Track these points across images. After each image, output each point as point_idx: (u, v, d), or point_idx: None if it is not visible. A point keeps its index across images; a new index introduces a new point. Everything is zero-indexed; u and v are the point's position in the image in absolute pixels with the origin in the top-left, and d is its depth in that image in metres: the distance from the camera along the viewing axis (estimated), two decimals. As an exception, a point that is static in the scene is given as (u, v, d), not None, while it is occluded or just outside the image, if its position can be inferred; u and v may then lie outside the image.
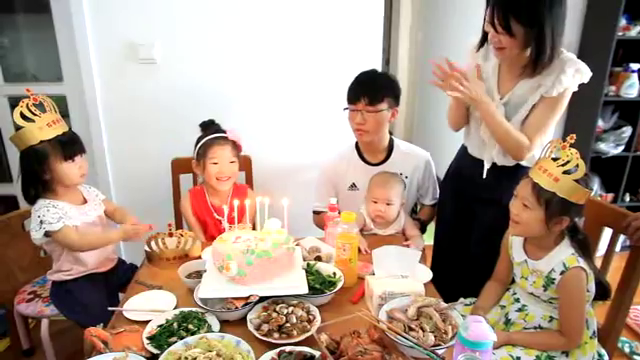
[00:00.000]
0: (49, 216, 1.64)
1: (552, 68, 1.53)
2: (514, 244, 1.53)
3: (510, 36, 1.47)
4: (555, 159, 1.33)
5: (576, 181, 1.29)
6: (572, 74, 1.53)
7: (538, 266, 1.43)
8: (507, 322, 1.52)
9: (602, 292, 1.43)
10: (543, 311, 1.46)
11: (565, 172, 1.29)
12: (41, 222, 1.64)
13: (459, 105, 1.73)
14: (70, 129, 1.73)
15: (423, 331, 1.15)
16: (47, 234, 1.65)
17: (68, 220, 1.68)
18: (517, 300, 1.53)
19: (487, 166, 1.73)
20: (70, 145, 1.68)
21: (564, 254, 1.38)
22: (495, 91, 1.67)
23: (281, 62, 2.38)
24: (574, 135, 1.30)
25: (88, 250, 1.75)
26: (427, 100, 5.04)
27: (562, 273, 1.37)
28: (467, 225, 1.87)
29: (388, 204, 1.84)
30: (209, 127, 2.01)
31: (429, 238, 2.06)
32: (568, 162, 1.29)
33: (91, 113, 2.35)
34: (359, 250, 1.61)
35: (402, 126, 5.97)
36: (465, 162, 1.86)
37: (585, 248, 1.41)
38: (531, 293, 1.48)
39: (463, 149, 1.90)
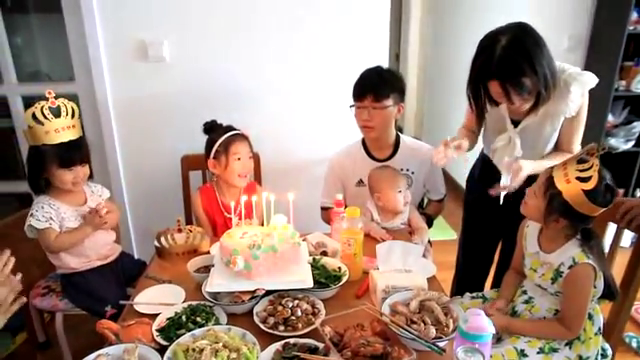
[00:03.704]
0: (40, 212, 1.72)
1: (558, 92, 1.54)
2: (528, 235, 1.54)
3: (526, 93, 1.49)
4: (580, 162, 1.30)
5: (585, 192, 1.27)
6: (580, 92, 1.56)
7: (549, 258, 1.44)
8: (514, 314, 1.53)
9: (610, 293, 1.43)
10: (549, 304, 1.47)
11: (578, 178, 1.28)
12: (31, 215, 1.72)
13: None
14: (81, 137, 1.77)
15: (425, 324, 1.17)
16: (32, 228, 1.72)
17: (59, 222, 1.75)
18: (524, 292, 1.55)
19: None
20: (69, 154, 1.72)
21: (575, 250, 1.39)
22: (508, 121, 1.69)
23: (289, 59, 2.40)
24: (606, 146, 1.28)
25: (63, 251, 1.80)
26: (437, 95, 5.03)
27: (570, 267, 1.37)
28: (495, 215, 1.88)
29: (400, 191, 1.85)
30: (214, 127, 2.02)
31: (444, 233, 2.07)
32: (587, 169, 1.27)
33: (102, 111, 2.39)
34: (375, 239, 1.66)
35: (412, 121, 5.97)
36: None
37: (596, 251, 1.40)
38: (538, 285, 1.49)
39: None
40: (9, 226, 1.88)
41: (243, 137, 1.99)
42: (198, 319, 1.29)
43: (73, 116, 1.73)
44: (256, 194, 1.84)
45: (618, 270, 1.55)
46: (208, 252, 1.69)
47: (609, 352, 1.49)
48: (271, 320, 1.28)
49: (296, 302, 1.33)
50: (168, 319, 1.31)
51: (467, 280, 2.10)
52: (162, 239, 1.72)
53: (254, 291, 1.35)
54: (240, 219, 1.54)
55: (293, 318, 1.27)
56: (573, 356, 1.40)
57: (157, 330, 1.27)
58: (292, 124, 2.51)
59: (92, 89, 2.37)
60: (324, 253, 1.65)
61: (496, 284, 1.93)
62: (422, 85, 5.58)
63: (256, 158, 2.30)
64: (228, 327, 1.24)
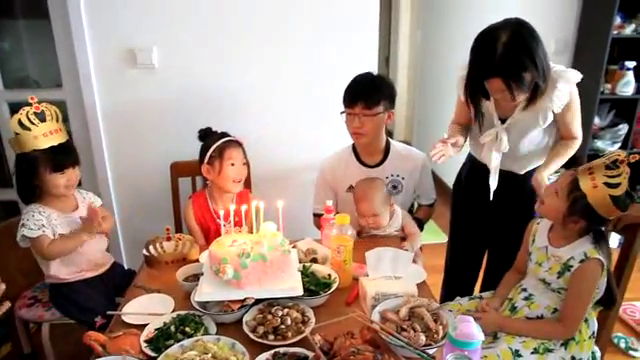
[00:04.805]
0: (31, 221, 1.70)
1: (546, 89, 1.56)
2: (540, 229, 1.55)
3: (526, 87, 1.50)
4: (608, 168, 1.31)
5: (612, 197, 1.29)
6: (567, 89, 1.59)
7: (558, 252, 1.45)
8: (513, 309, 1.54)
9: (608, 300, 1.45)
10: (548, 301, 1.48)
11: (606, 184, 1.29)
12: (22, 225, 1.69)
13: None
14: (68, 140, 1.76)
15: (415, 331, 1.17)
16: (25, 238, 1.70)
17: (51, 229, 1.72)
18: (524, 290, 1.56)
19: (495, 177, 1.77)
20: (60, 157, 1.71)
21: (587, 246, 1.40)
22: (495, 117, 1.70)
23: (278, 65, 2.40)
24: (637, 156, 1.29)
25: (57, 257, 1.77)
26: (427, 99, 5.05)
27: (582, 261, 1.39)
28: (482, 219, 1.90)
29: (375, 215, 1.82)
30: (209, 133, 2.02)
31: (434, 236, 2.08)
32: (617, 176, 1.29)
33: (90, 118, 2.37)
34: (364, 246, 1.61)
35: (402, 125, 5.99)
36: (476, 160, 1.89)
37: (606, 251, 1.41)
38: (542, 280, 1.49)
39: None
40: (-4, 235, 1.86)
41: (237, 143, 2.00)
42: (187, 329, 1.28)
43: (58, 120, 1.72)
44: (249, 202, 1.83)
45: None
46: (197, 260, 1.68)
47: (597, 354, 1.51)
48: (261, 329, 1.27)
49: (286, 310, 1.32)
50: (157, 329, 1.30)
51: (456, 284, 2.11)
52: (151, 247, 1.71)
53: (243, 300, 1.34)
54: (234, 226, 1.53)
55: (283, 327, 1.27)
56: (567, 357, 1.41)
57: (145, 341, 1.25)
58: (282, 130, 2.50)
59: (80, 96, 2.34)
60: (314, 260, 1.65)
61: (485, 288, 1.94)
62: (412, 89, 5.60)
63: (246, 164, 2.29)
64: (217, 337, 1.23)
